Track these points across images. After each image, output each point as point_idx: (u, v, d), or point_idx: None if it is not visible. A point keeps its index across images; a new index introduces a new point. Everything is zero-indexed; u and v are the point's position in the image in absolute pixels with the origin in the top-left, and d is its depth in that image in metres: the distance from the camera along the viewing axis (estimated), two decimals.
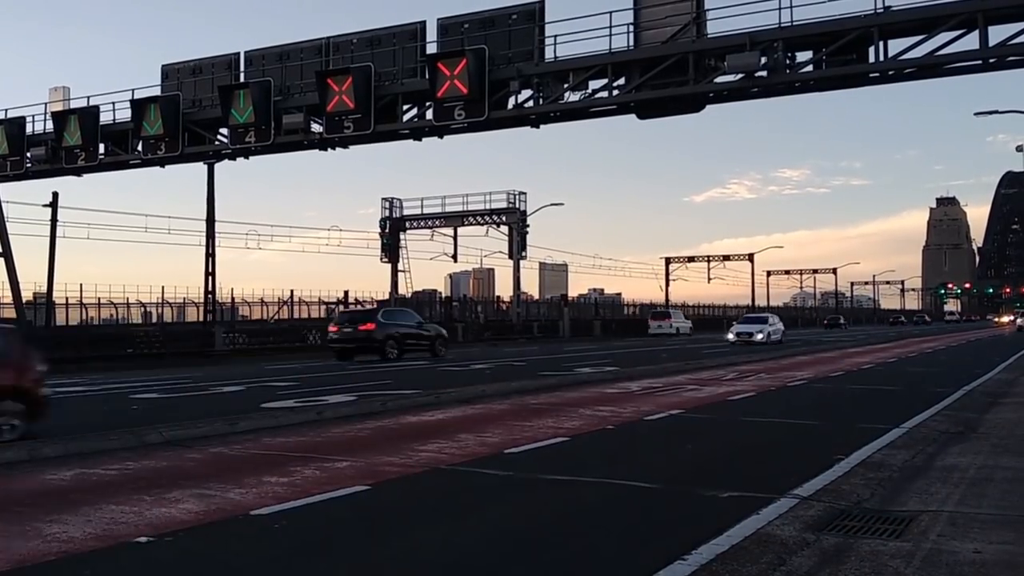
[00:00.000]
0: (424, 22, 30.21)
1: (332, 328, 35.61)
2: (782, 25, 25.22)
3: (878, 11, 24.41)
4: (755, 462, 10.41)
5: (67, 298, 50.60)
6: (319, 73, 30.28)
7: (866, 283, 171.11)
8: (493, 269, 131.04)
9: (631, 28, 27.03)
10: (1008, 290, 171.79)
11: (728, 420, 14.35)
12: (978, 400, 16.66)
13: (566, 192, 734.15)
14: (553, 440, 11.79)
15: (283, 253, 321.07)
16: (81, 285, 55.47)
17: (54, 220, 42.31)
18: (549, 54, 28.27)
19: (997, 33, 23.66)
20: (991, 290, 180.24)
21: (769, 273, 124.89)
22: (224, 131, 33.31)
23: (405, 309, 42.85)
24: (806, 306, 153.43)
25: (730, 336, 49.32)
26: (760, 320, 52.74)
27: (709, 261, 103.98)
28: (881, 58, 24.87)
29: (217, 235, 42.44)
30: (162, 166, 35.78)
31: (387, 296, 63.60)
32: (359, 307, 48.70)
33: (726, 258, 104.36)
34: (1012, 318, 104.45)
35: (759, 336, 47.35)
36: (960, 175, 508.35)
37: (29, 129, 36.82)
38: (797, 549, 6.25)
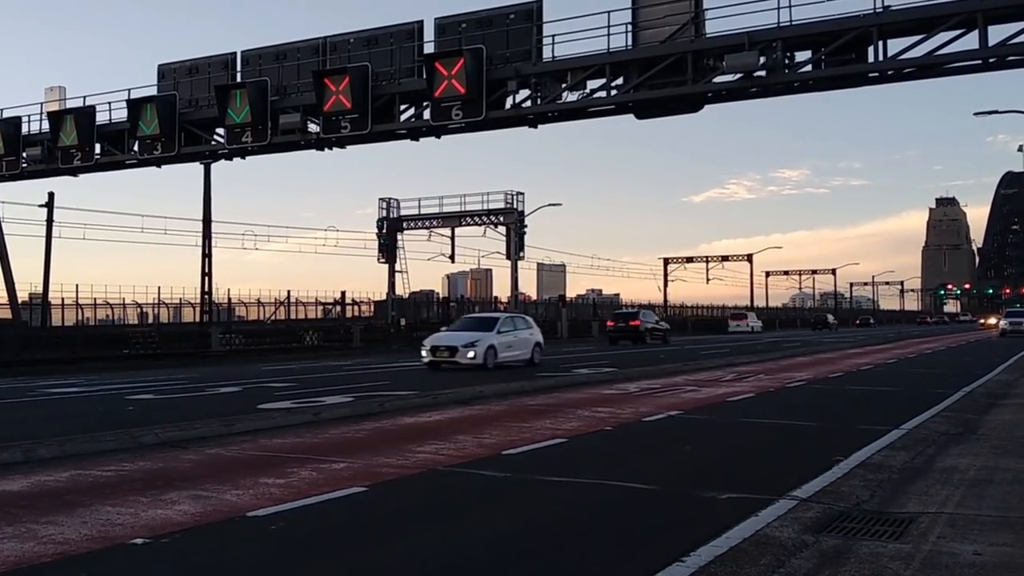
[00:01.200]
0: (421, 22, 30.21)
1: (610, 323, 54.91)
2: (781, 25, 25.22)
3: (877, 11, 24.40)
4: (754, 463, 10.38)
5: (63, 298, 50.61)
6: (316, 73, 30.25)
7: (865, 284, 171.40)
8: (491, 270, 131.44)
9: (629, 28, 27.03)
10: (1008, 291, 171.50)
11: (727, 421, 14.31)
12: (978, 401, 16.64)
13: (564, 192, 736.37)
14: (551, 441, 11.75)
15: (280, 253, 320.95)
16: (77, 285, 55.57)
17: (50, 220, 42.26)
18: (547, 54, 28.27)
19: (997, 33, 23.70)
20: (991, 291, 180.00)
21: (768, 274, 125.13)
22: (220, 131, 33.29)
23: (648, 311, 61.80)
24: (805, 307, 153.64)
25: (423, 354, 27.29)
26: (482, 324, 28.47)
27: (708, 262, 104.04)
28: (880, 58, 24.87)
29: (214, 235, 42.39)
30: (158, 166, 35.76)
31: (384, 297, 63.55)
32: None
33: (725, 259, 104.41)
34: (996, 320, 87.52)
35: (470, 354, 26.14)
36: (960, 175, 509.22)
37: (25, 129, 36.82)
38: (796, 551, 6.22)
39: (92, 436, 11.52)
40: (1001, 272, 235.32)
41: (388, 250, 62.32)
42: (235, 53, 33.37)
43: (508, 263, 61.79)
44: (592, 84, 28.32)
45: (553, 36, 28.33)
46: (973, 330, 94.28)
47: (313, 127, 31.68)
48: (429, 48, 29.69)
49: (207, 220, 41.89)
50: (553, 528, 7.22)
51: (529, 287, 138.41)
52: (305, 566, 6.13)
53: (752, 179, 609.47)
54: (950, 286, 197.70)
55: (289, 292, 62.88)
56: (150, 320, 55.86)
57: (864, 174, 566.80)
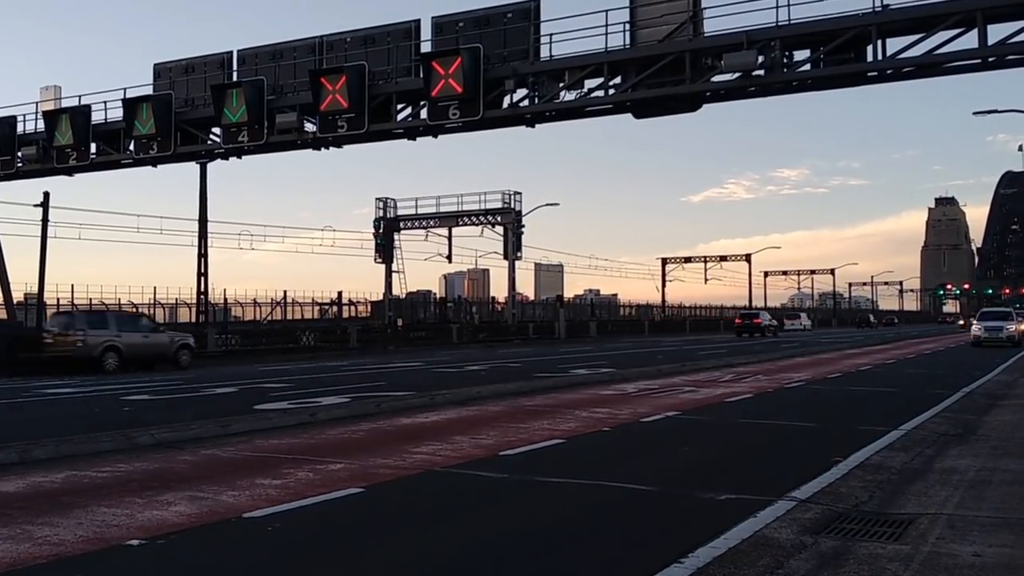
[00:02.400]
0: (418, 20, 30.15)
1: (738, 320, 73.02)
2: (779, 24, 25.15)
3: (876, 10, 24.34)
4: (752, 464, 10.36)
5: (59, 299, 50.48)
6: (312, 72, 30.18)
7: (864, 284, 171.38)
8: (488, 270, 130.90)
9: (627, 27, 26.95)
10: (1008, 291, 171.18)
11: (725, 422, 14.28)
12: (977, 402, 16.62)
13: (562, 192, 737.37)
14: (549, 442, 11.72)
15: (276, 254, 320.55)
16: (73, 286, 55.26)
17: (45, 220, 42.06)
18: (544, 53, 28.18)
19: (996, 32, 23.60)
20: (990, 291, 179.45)
21: (767, 274, 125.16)
22: (217, 130, 33.20)
23: (764, 312, 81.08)
24: (803, 307, 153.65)
25: None
26: None
27: (706, 262, 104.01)
28: (879, 57, 24.81)
29: (210, 235, 42.35)
30: (154, 166, 35.63)
31: (381, 297, 63.52)
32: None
33: (723, 259, 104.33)
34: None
35: None
36: (959, 175, 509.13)
37: (20, 128, 36.67)
38: (795, 552, 6.20)
39: (88, 437, 11.48)
40: (1001, 272, 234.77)
41: (385, 250, 62.31)
42: (231, 52, 33.27)
43: (505, 263, 61.83)
44: (590, 83, 28.26)
45: (551, 35, 28.28)
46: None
47: (310, 127, 31.59)
48: (426, 47, 29.62)
49: (203, 220, 41.84)
50: (551, 529, 7.19)
51: (527, 287, 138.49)
52: (302, 567, 6.09)
53: (751, 179, 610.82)
54: (949, 286, 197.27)
55: (286, 292, 62.82)
56: None
57: (863, 174, 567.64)
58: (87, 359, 28.16)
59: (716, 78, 26.52)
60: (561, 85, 28.20)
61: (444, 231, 64.58)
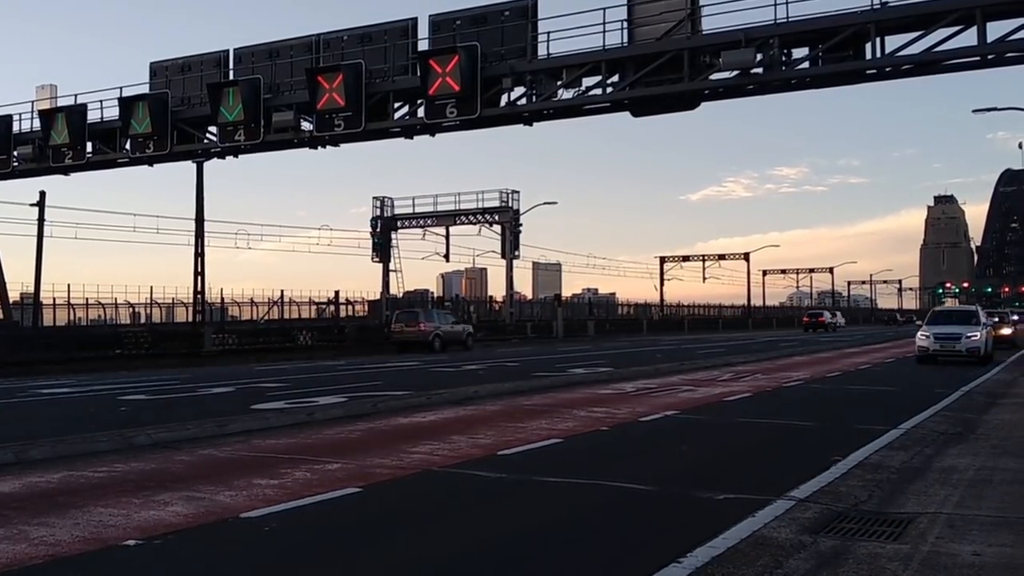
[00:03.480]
0: (416, 19, 30.16)
1: (805, 319, 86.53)
2: (778, 22, 25.17)
3: (875, 7, 24.38)
4: (751, 463, 10.34)
5: (55, 298, 50.46)
6: (309, 71, 30.16)
7: (863, 282, 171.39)
8: (486, 269, 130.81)
9: (625, 25, 26.98)
10: (1007, 289, 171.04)
11: (724, 421, 14.25)
12: (977, 401, 16.61)
13: (560, 191, 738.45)
14: (547, 442, 11.68)
15: (273, 253, 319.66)
16: (69, 285, 55.17)
17: (41, 220, 42.09)
18: (542, 51, 28.20)
19: (995, 29, 23.63)
20: (990, 289, 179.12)
21: (765, 272, 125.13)
22: (213, 129, 33.21)
23: (826, 310, 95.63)
24: (802, 306, 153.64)
25: None
26: None
27: (704, 261, 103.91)
28: (878, 55, 24.82)
29: (206, 235, 42.25)
30: (151, 165, 35.63)
31: (379, 296, 63.42)
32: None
33: (721, 257, 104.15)
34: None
35: None
36: (959, 173, 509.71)
37: (16, 127, 36.65)
38: (794, 551, 6.18)
39: (84, 437, 11.44)
40: (1000, 270, 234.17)
41: (382, 249, 62.20)
42: (228, 51, 33.27)
43: (503, 262, 61.72)
44: (588, 81, 28.27)
45: (548, 33, 28.31)
46: None
47: (306, 125, 31.59)
48: (423, 45, 29.62)
49: (200, 219, 41.74)
50: (549, 529, 7.16)
51: (525, 286, 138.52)
52: (299, 567, 6.07)
53: (750, 177, 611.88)
54: (948, 284, 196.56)
55: (283, 292, 62.76)
56: (143, 320, 55.69)
57: (863, 172, 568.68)
58: (423, 343, 39.03)
59: (714, 76, 26.53)
60: (559, 83, 28.20)
61: (442, 230, 64.48)
